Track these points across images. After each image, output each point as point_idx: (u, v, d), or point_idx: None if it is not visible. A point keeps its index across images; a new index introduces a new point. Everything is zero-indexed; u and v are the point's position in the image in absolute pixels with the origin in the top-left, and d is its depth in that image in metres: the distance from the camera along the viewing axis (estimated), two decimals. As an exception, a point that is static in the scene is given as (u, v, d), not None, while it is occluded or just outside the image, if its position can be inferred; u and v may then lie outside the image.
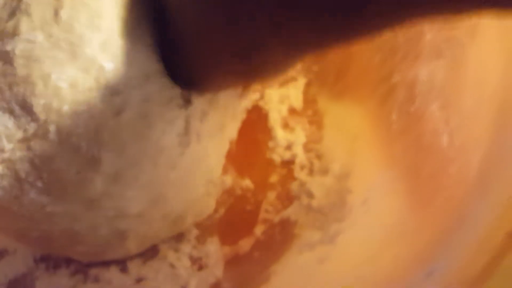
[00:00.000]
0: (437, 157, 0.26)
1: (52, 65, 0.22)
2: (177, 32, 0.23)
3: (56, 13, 0.23)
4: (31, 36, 0.22)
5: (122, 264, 0.30)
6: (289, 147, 0.35)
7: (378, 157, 0.31)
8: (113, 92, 0.23)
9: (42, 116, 0.22)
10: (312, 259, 0.28)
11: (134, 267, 0.30)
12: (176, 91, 0.25)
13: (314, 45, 0.19)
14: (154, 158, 0.24)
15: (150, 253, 0.30)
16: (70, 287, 0.29)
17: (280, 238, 0.31)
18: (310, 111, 0.36)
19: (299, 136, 0.35)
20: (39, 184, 0.23)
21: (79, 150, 0.23)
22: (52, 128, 0.22)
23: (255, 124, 0.35)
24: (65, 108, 0.22)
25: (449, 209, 0.23)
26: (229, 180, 0.32)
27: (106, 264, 0.30)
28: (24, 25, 0.22)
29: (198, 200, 0.28)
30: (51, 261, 0.30)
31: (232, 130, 0.30)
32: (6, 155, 0.22)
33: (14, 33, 0.22)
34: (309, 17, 0.17)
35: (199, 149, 0.26)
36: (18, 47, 0.22)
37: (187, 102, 0.25)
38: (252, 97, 0.35)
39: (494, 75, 0.24)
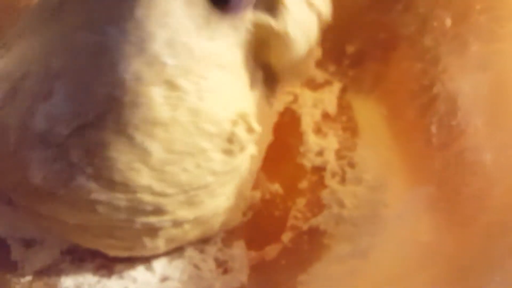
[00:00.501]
0: (480, 176, 0.25)
1: (121, 57, 0.23)
2: None
3: (130, 9, 0.24)
4: (105, 29, 0.24)
5: (147, 262, 0.30)
6: (320, 153, 0.34)
7: (415, 171, 0.30)
8: (171, 88, 0.24)
9: (103, 104, 0.23)
10: (342, 272, 0.27)
11: (159, 266, 0.30)
12: (231, 98, 0.26)
13: None
14: (198, 160, 0.25)
15: (176, 253, 0.30)
16: (95, 282, 0.29)
17: (309, 247, 0.30)
18: (344, 117, 0.35)
19: (332, 142, 0.35)
20: (89, 170, 0.24)
21: (132, 141, 0.24)
22: (110, 117, 0.24)
23: (287, 127, 0.35)
24: (126, 98, 0.23)
25: (492, 233, 0.22)
26: (258, 195, 0.31)
27: (131, 261, 0.30)
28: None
29: (228, 210, 0.29)
30: (77, 254, 0.30)
31: (264, 147, 0.31)
32: (61, 140, 0.24)
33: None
34: None
35: (239, 160, 0.27)
36: (90, 38, 0.24)
37: (238, 114, 0.27)
38: (285, 99, 0.35)
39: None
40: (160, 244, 0.27)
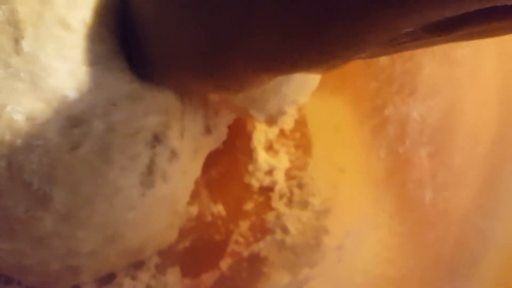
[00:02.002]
0: (417, 214, 0.23)
1: (8, 96, 0.21)
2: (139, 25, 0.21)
3: (16, 43, 0.21)
4: None
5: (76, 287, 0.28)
6: (270, 172, 0.33)
7: (362, 198, 0.29)
8: (73, 124, 0.22)
9: None
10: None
11: (88, 290, 0.28)
12: (147, 122, 0.23)
13: (276, 64, 0.17)
14: (110, 198, 0.23)
15: (107, 277, 0.29)
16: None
17: (247, 275, 0.29)
18: (298, 134, 0.34)
19: (283, 160, 0.33)
20: None
21: (30, 187, 0.21)
22: (2, 163, 0.21)
23: (236, 142, 0.33)
24: (19, 142, 0.21)
25: (425, 281, 0.21)
26: (195, 210, 0.30)
27: (57, 286, 0.28)
28: None
29: (160, 232, 0.27)
30: (2, 277, 0.28)
31: (198, 168, 0.28)
32: None
33: None
34: (270, 33, 0.15)
35: (164, 190, 0.25)
36: None
37: (156, 139, 0.24)
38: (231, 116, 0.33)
39: (489, 129, 0.22)
40: (84, 278, 0.26)
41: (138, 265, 0.29)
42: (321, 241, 0.29)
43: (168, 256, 0.30)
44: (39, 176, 0.21)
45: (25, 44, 0.21)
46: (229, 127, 0.33)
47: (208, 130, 0.27)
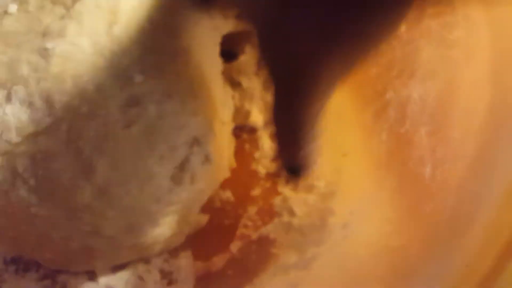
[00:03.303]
0: (418, 189, 0.25)
1: (88, 68, 0.23)
2: None
3: (110, 27, 0.24)
4: (77, 40, 0.24)
5: (91, 272, 0.30)
6: (276, 159, 0.34)
7: (364, 179, 0.30)
8: (132, 103, 0.24)
9: (60, 113, 0.23)
10: (285, 284, 0.27)
11: (103, 275, 0.30)
12: (193, 121, 0.25)
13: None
14: (143, 184, 0.25)
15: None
16: (37, 292, 0.29)
17: (256, 257, 0.30)
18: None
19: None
20: (32, 182, 0.24)
21: (80, 154, 0.23)
22: (64, 126, 0.23)
23: (243, 134, 0.35)
24: (84, 109, 0.23)
25: (425, 246, 0.22)
26: (204, 219, 0.31)
27: (75, 272, 0.30)
28: (72, 29, 0.24)
29: (169, 237, 0.29)
30: (21, 264, 0.30)
31: (220, 179, 0.31)
32: (10, 148, 0.23)
33: (60, 34, 0.24)
34: None
35: (187, 191, 0.26)
36: (59, 47, 0.24)
37: (196, 140, 0.26)
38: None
39: (483, 104, 0.23)
40: (97, 264, 0.28)
41: (151, 249, 0.31)
42: (326, 221, 0.30)
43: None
44: (92, 144, 0.23)
45: (116, 29, 0.24)
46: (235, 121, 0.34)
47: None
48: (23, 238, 0.26)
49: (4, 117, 0.24)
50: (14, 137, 0.23)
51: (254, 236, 0.31)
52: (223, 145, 0.29)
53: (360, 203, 0.29)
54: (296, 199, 0.32)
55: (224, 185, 0.33)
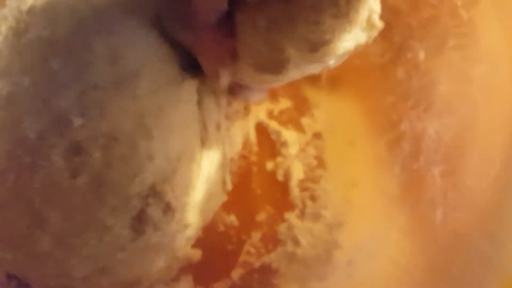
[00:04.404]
0: (427, 233, 0.24)
1: (28, 112, 0.22)
2: None
3: (45, 61, 0.22)
4: (20, 78, 0.22)
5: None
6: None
7: (373, 214, 0.30)
8: (75, 151, 0.22)
9: (5, 163, 0.22)
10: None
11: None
12: (147, 168, 0.23)
13: None
14: (100, 234, 0.23)
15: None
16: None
17: (258, 286, 0.30)
18: (313, 146, 0.35)
19: (297, 172, 0.34)
20: None
21: (32, 205, 0.22)
22: (12, 176, 0.22)
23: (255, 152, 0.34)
24: (27, 159, 0.22)
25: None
26: (197, 255, 0.30)
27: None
28: (16, 65, 0.23)
29: (156, 274, 0.27)
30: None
31: (207, 217, 0.28)
32: None
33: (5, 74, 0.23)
34: None
35: (157, 238, 0.24)
36: (5, 88, 0.22)
37: (152, 190, 0.23)
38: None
39: (501, 152, 0.22)
40: None
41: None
42: (332, 254, 0.29)
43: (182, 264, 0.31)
44: (40, 196, 0.22)
45: (52, 60, 0.22)
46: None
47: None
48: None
49: None
50: None
51: (257, 264, 0.31)
52: (211, 170, 0.26)
53: (367, 240, 0.28)
54: (301, 228, 0.32)
55: (229, 208, 0.33)
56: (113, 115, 0.22)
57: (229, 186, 0.30)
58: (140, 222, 0.23)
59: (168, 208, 0.24)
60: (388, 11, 0.31)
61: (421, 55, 0.30)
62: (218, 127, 0.27)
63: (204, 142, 0.25)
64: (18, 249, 0.24)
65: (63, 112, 0.22)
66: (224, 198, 0.29)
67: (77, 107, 0.22)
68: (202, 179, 0.25)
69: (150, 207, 0.23)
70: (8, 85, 0.22)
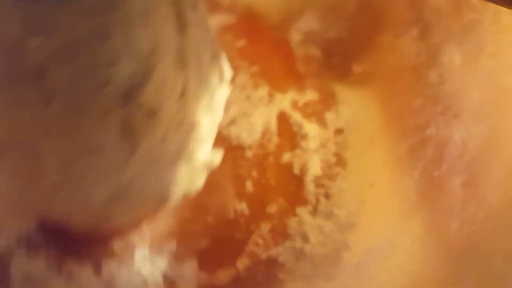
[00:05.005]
0: (442, 244, 0.23)
1: None
2: None
3: None
4: None
5: (97, 264, 0.30)
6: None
7: (388, 218, 0.29)
8: (39, 76, 0.20)
9: None
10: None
11: (108, 270, 0.30)
12: (113, 75, 0.21)
13: None
14: (95, 156, 0.22)
15: (128, 255, 0.30)
16: (42, 278, 0.30)
17: (262, 279, 0.30)
18: (333, 142, 0.34)
19: (314, 167, 0.33)
20: None
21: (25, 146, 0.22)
22: None
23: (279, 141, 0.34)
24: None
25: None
26: (218, 158, 0.28)
27: (83, 259, 0.30)
28: None
29: (179, 185, 0.26)
30: (32, 247, 0.31)
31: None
32: None
33: None
34: None
35: (156, 146, 0.23)
36: None
37: (127, 95, 0.21)
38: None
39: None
40: (120, 218, 0.27)
41: (157, 249, 0.31)
42: (340, 255, 0.29)
43: (187, 247, 0.31)
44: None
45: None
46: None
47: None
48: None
49: None
50: None
51: (263, 256, 0.31)
52: (201, 60, 0.24)
53: (378, 244, 0.27)
54: (312, 224, 0.31)
55: (241, 196, 0.32)
56: (64, 26, 0.20)
57: (228, 75, 0.26)
58: (128, 133, 0.22)
59: (153, 112, 0.22)
60: (429, 11, 0.30)
61: (457, 59, 0.29)
62: (195, 7, 0.23)
63: (182, 29, 0.22)
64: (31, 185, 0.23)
65: (14, 39, 0.20)
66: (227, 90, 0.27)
67: (25, 29, 0.20)
68: (189, 73, 0.23)
69: (132, 115, 0.21)
70: None
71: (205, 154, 0.27)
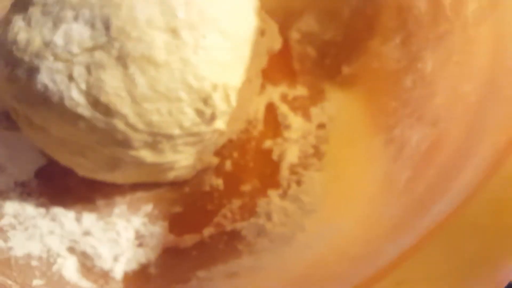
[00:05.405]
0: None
1: (142, 2, 0.29)
2: None
3: None
4: None
5: (79, 212, 0.34)
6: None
7: (346, 206, 0.31)
8: (174, 36, 0.29)
9: (114, 34, 0.28)
10: (229, 284, 0.29)
11: (88, 219, 0.33)
12: (221, 64, 0.30)
13: None
14: (172, 107, 0.29)
15: (106, 211, 0.33)
16: (30, 217, 0.33)
17: (223, 248, 0.32)
18: (313, 135, 0.36)
19: (292, 155, 0.35)
20: (83, 86, 0.29)
21: (126, 70, 0.28)
22: (116, 45, 0.28)
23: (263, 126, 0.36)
24: (134, 34, 0.28)
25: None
26: (215, 161, 0.35)
27: (67, 206, 0.34)
28: None
29: (183, 168, 0.33)
30: (27, 188, 0.34)
31: (235, 128, 0.35)
32: (70, 57, 0.29)
33: None
34: None
35: (206, 126, 0.31)
36: None
37: (222, 82, 0.30)
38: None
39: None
40: (119, 176, 0.33)
41: (134, 210, 0.34)
42: (296, 236, 0.31)
43: (162, 211, 0.34)
44: (136, 63, 0.29)
45: None
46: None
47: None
48: (63, 139, 0.31)
49: (70, 32, 0.29)
50: (75, 49, 0.29)
51: (228, 228, 0.33)
52: (246, 99, 0.32)
53: (330, 230, 0.29)
54: (279, 206, 0.33)
55: (219, 172, 0.35)
56: (208, 19, 0.29)
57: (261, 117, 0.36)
58: (205, 105, 0.30)
59: (228, 101, 0.30)
60: (412, 20, 0.32)
61: (429, 66, 0.30)
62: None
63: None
64: (100, 108, 0.29)
65: (171, 6, 0.29)
66: (243, 125, 0.36)
67: (183, 7, 0.29)
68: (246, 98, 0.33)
69: (217, 93, 0.30)
70: None
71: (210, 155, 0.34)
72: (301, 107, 0.37)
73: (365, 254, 0.25)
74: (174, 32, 0.29)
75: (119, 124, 0.29)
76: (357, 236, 0.27)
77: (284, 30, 0.38)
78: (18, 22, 0.31)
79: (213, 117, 0.30)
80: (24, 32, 0.30)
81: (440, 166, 0.24)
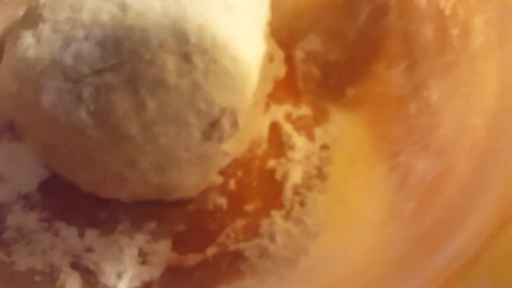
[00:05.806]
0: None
1: (155, 26, 0.29)
2: None
3: None
4: (151, 1, 0.29)
5: (82, 228, 0.33)
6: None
7: (350, 230, 0.31)
8: (185, 60, 0.29)
9: (126, 56, 0.29)
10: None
11: (90, 235, 0.33)
12: (229, 89, 0.31)
13: None
14: (180, 130, 0.30)
15: (109, 227, 0.33)
16: (32, 231, 0.33)
17: (226, 268, 0.32)
18: (317, 156, 0.36)
19: (296, 176, 0.36)
20: (92, 107, 0.29)
21: (136, 93, 0.28)
22: (128, 67, 0.28)
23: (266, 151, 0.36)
24: (146, 57, 0.29)
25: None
26: (219, 181, 0.35)
27: (69, 221, 0.33)
28: None
29: (188, 187, 0.33)
30: (29, 201, 0.34)
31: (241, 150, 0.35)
32: (80, 77, 0.29)
33: None
34: None
35: (214, 148, 0.31)
36: (135, 5, 0.29)
37: (229, 106, 0.31)
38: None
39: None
40: (124, 194, 0.33)
41: (137, 227, 0.34)
42: (299, 259, 0.31)
43: (166, 228, 0.34)
44: (147, 86, 0.29)
45: None
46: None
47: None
48: (69, 156, 0.31)
49: (81, 52, 0.29)
50: (85, 69, 0.28)
51: (232, 248, 0.33)
52: (251, 121, 0.33)
53: (334, 254, 0.29)
54: (282, 227, 0.33)
55: (223, 191, 0.35)
56: (219, 45, 0.29)
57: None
58: (212, 128, 0.30)
59: (234, 125, 0.31)
60: (418, 48, 0.33)
61: (435, 95, 0.31)
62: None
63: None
64: (107, 129, 0.29)
65: (184, 31, 0.29)
66: (247, 147, 0.35)
67: (195, 32, 0.29)
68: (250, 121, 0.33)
69: (225, 118, 0.30)
70: (139, 3, 0.29)
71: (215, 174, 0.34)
72: (305, 127, 0.37)
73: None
74: (185, 56, 0.29)
75: (127, 146, 0.29)
76: (362, 267, 0.27)
77: (289, 49, 0.38)
78: (28, 39, 0.31)
79: (220, 140, 0.31)
80: (34, 50, 0.30)
81: (448, 201, 0.24)
